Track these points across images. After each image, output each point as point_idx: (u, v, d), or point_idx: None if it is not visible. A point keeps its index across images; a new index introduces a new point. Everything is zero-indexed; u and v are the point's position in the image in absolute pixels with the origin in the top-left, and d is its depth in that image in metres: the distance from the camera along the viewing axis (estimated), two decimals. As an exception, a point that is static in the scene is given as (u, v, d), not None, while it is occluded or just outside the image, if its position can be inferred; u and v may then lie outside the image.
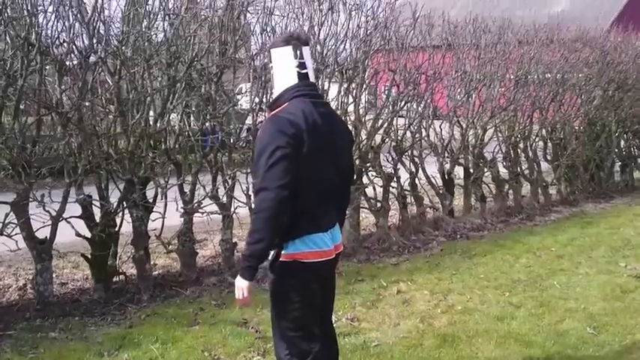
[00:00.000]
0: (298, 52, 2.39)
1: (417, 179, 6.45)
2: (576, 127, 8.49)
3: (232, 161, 5.04)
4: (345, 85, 5.58)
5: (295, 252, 2.34)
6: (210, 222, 4.91)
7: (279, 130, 2.25)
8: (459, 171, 7.01)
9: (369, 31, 5.62)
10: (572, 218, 7.42)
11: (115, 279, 4.51)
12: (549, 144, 8.29)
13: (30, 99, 3.97)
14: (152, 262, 4.78)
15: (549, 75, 7.80)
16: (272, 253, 2.35)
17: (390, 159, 6.14)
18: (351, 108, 5.67)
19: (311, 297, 2.43)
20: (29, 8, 3.78)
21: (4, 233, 3.91)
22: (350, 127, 5.73)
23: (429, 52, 6.42)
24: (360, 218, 6.06)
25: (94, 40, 4.05)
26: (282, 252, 2.35)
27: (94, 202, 4.28)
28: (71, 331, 3.84)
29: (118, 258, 4.48)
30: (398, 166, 6.15)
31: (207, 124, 4.93)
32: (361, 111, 5.78)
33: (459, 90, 6.87)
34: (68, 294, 4.45)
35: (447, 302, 4.42)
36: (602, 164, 9.07)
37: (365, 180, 5.92)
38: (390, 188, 6.06)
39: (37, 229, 4.07)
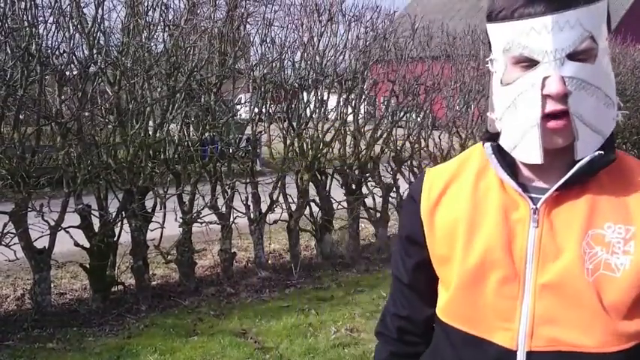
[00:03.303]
0: None
1: (416, 189, 6.44)
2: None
3: (231, 171, 5.05)
4: (345, 96, 5.59)
5: None
6: (209, 232, 4.90)
7: None
8: (459, 181, 7.00)
9: (368, 42, 5.65)
10: (572, 229, 7.40)
11: (113, 289, 4.49)
12: (548, 154, 8.29)
13: (29, 109, 3.98)
14: (151, 272, 4.76)
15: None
16: None
17: (389, 169, 6.14)
18: (350, 118, 5.69)
19: None
20: (29, 19, 3.79)
21: (3, 243, 3.90)
22: (349, 138, 5.80)
23: (428, 63, 6.44)
24: (360, 228, 6.05)
25: (94, 51, 4.07)
26: None
27: (92, 211, 4.27)
28: (69, 341, 3.81)
29: (116, 268, 4.46)
30: (397, 177, 6.15)
31: (206, 134, 4.94)
32: (360, 121, 5.80)
33: (457, 100, 6.88)
34: (66, 304, 4.43)
35: (447, 313, 4.40)
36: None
37: (364, 190, 5.92)
38: (390, 198, 6.06)
39: (36, 239, 4.06)
